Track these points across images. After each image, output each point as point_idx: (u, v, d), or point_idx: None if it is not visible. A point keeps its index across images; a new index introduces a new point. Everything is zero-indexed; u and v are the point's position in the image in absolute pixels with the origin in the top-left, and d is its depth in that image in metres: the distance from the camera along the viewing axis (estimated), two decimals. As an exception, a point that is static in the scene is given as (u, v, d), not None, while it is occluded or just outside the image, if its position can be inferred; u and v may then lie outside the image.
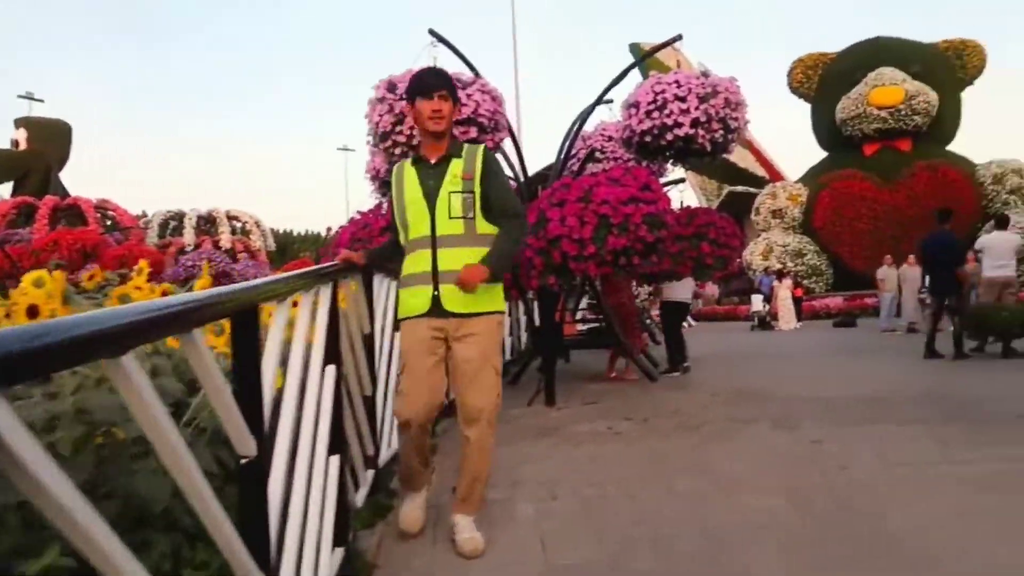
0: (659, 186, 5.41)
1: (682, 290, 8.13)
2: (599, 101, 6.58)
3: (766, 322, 17.99)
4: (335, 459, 2.75)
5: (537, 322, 6.85)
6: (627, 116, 6.09)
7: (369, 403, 3.69)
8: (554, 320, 6.57)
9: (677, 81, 5.89)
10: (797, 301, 18.69)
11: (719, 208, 34.22)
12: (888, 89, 25.11)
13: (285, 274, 2.16)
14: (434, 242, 2.71)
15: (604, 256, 5.13)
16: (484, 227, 2.76)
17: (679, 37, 6.10)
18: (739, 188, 32.99)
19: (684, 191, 11.85)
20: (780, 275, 18.57)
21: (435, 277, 2.73)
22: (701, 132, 5.81)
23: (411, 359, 2.82)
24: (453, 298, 2.72)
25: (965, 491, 3.31)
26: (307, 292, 2.37)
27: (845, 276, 25.14)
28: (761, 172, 41.59)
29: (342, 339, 3.04)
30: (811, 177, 27.57)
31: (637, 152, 6.33)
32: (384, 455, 3.97)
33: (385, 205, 6.78)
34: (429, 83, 2.72)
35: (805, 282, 24.87)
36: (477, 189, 2.73)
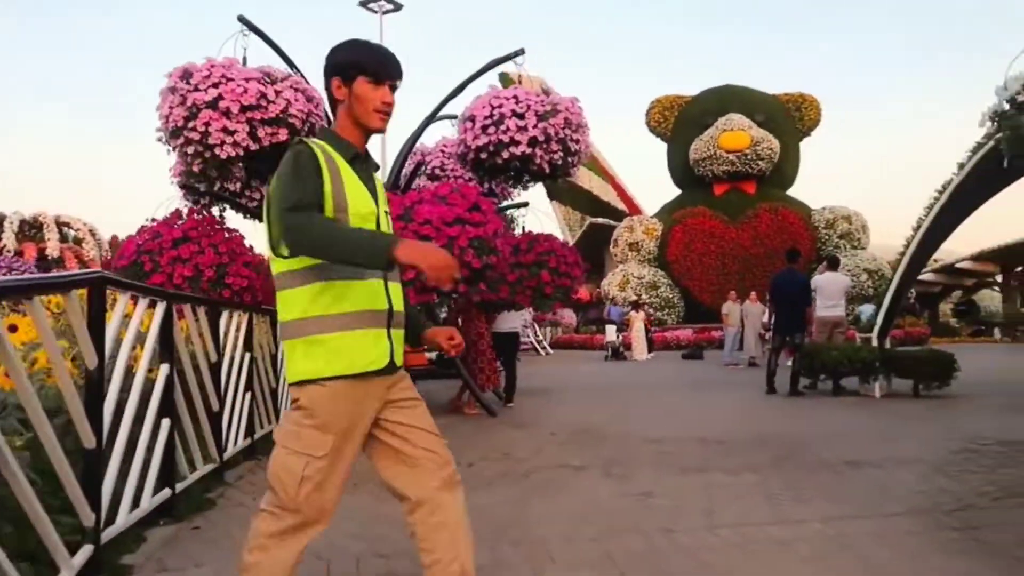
0: (490, 207, 4.90)
1: (510, 320, 7.69)
2: (434, 116, 6.03)
3: (619, 352, 18.07)
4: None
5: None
6: (463, 130, 5.58)
7: (91, 459, 2.88)
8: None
9: (516, 96, 5.44)
10: (645, 330, 18.94)
11: (581, 239, 34.87)
12: (736, 134, 26.44)
13: None
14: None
15: (424, 282, 4.53)
16: None
17: (521, 51, 5.67)
18: (600, 220, 33.71)
19: (526, 215, 11.38)
20: (636, 306, 18.73)
21: (390, 319, 1.98)
22: (539, 152, 5.38)
23: (349, 442, 1.95)
24: (400, 348, 2.02)
25: (789, 561, 2.93)
26: None
27: (694, 309, 26.04)
28: (622, 206, 42.93)
29: (20, 381, 2.25)
30: (666, 213, 28.51)
31: (472, 169, 5.82)
32: (119, 523, 3.14)
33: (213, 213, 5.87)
34: (386, 67, 1.99)
35: (658, 314, 25.51)
36: None
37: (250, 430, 5.31)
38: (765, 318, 15.14)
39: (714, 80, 31.40)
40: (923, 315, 30.56)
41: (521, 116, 5.37)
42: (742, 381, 11.66)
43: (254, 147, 4.70)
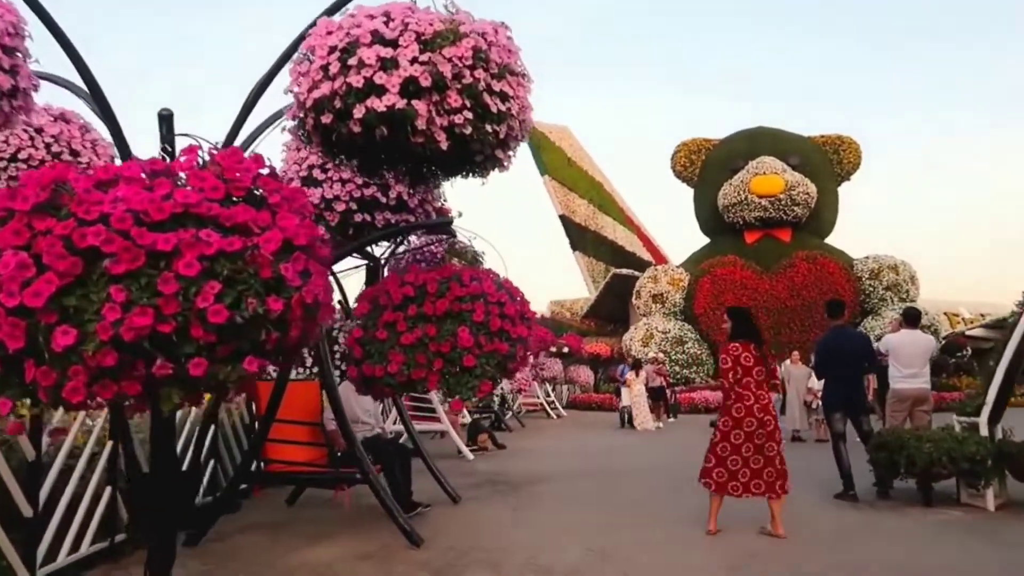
0: (296, 194, 2.28)
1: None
2: (262, 89, 3.43)
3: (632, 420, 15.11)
4: None
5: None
6: (295, 77, 3.03)
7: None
8: (172, 460, 3.25)
9: (387, 13, 2.88)
10: (660, 392, 15.87)
11: (604, 291, 32.12)
12: (769, 178, 23.71)
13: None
14: None
15: (86, 354, 1.92)
16: None
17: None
18: (624, 271, 30.98)
19: (473, 242, 7.45)
20: (636, 366, 15.55)
21: None
22: (425, 107, 2.78)
23: None
24: None
25: None
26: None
27: (725, 367, 22.96)
28: (648, 256, 40.19)
29: None
30: (693, 263, 25.70)
31: (325, 151, 3.23)
32: None
33: None
34: None
35: (685, 372, 22.48)
36: None
37: None
38: (811, 383, 12.20)
39: (745, 125, 28.75)
40: (977, 374, 26.96)
41: (391, 43, 2.80)
42: (790, 467, 8.73)
43: None
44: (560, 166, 37.32)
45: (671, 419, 17.10)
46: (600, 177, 41.08)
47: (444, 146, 2.88)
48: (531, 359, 14.58)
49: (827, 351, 6.76)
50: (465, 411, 11.51)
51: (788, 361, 12.81)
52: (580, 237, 36.97)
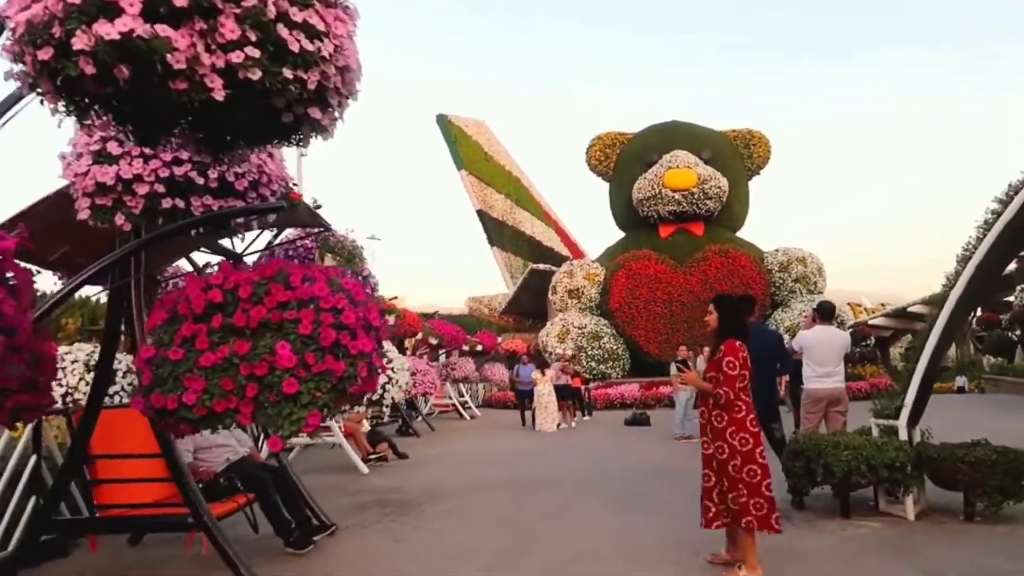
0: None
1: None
2: None
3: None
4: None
5: None
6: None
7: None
8: None
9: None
10: (573, 392, 15.34)
11: (521, 287, 31.54)
12: (682, 172, 23.63)
13: None
14: None
15: None
16: None
17: None
18: (542, 266, 30.52)
19: (352, 239, 6.98)
20: (541, 364, 14.95)
21: None
22: (187, 38, 1.95)
23: None
24: None
25: None
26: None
27: (640, 361, 22.82)
28: (566, 251, 39.91)
29: None
30: (608, 257, 25.44)
31: (66, 105, 2.34)
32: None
33: None
34: None
35: (601, 367, 22.15)
36: None
37: None
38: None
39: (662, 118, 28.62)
40: (880, 363, 27.87)
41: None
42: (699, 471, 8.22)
43: None
44: (477, 160, 36.54)
45: (586, 417, 16.65)
46: (517, 172, 40.53)
47: (220, 96, 2.03)
48: (406, 381, 13.67)
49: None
50: (364, 421, 10.60)
51: (701, 357, 12.46)
52: (498, 232, 36.33)
